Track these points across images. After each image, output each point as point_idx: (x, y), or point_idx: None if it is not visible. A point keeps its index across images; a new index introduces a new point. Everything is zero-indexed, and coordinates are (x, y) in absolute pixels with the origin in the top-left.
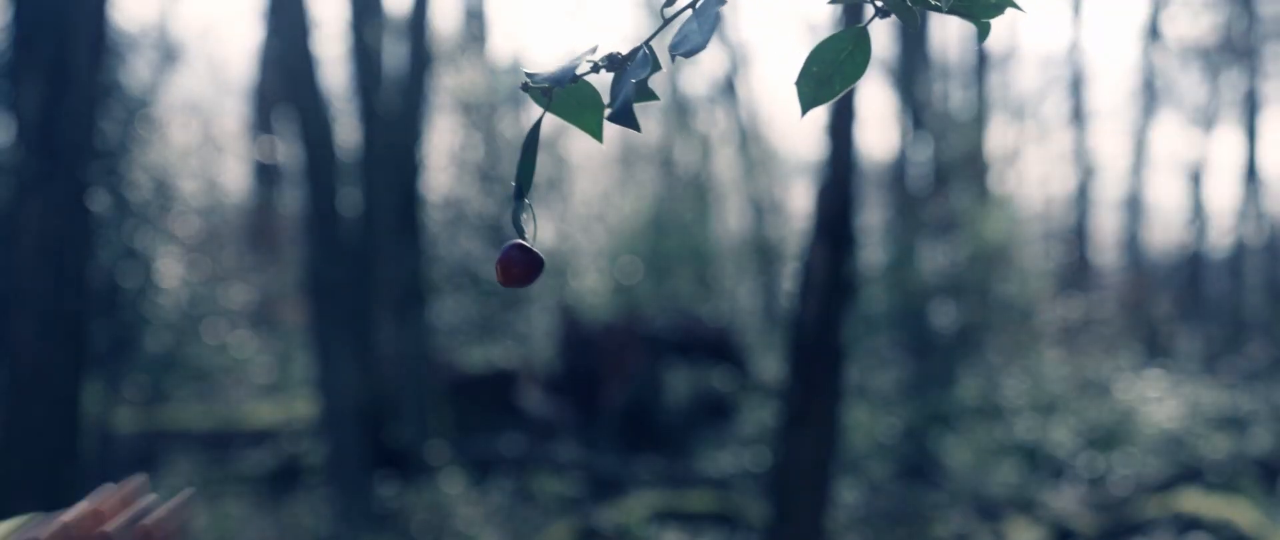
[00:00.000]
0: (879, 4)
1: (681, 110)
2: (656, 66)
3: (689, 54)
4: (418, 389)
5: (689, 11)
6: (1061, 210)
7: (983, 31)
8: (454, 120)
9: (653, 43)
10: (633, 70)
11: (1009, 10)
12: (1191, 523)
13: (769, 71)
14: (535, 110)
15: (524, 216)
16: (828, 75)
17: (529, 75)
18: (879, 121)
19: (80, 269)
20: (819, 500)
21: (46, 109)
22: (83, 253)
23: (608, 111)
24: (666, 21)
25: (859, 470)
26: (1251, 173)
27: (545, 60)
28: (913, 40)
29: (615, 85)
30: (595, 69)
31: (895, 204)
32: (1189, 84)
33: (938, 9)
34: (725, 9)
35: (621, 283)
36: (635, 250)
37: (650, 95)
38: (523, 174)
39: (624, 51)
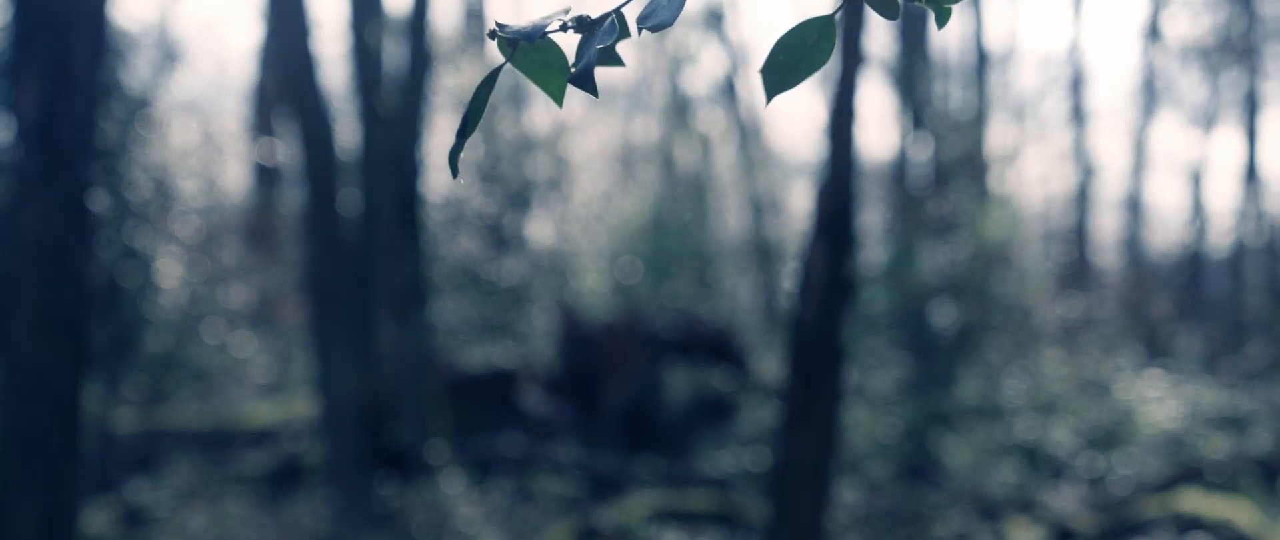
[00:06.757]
0: None
1: (681, 110)
2: (624, 32)
3: (655, 28)
4: (418, 389)
5: None
6: (1061, 210)
7: (942, 17)
8: (454, 120)
9: (623, 14)
10: (599, 35)
11: (1009, 9)
12: (1191, 523)
13: None
14: (534, 108)
15: (460, 157)
16: (793, 63)
17: (499, 25)
18: (879, 121)
19: (80, 269)
20: (819, 500)
21: (46, 109)
22: (83, 253)
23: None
24: None
25: (859, 470)
26: (1251, 173)
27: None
28: (913, 40)
29: (581, 48)
30: (564, 28)
31: (895, 204)
32: (1189, 84)
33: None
34: (725, 9)
35: (621, 283)
36: (635, 250)
37: (615, 60)
38: (470, 115)
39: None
